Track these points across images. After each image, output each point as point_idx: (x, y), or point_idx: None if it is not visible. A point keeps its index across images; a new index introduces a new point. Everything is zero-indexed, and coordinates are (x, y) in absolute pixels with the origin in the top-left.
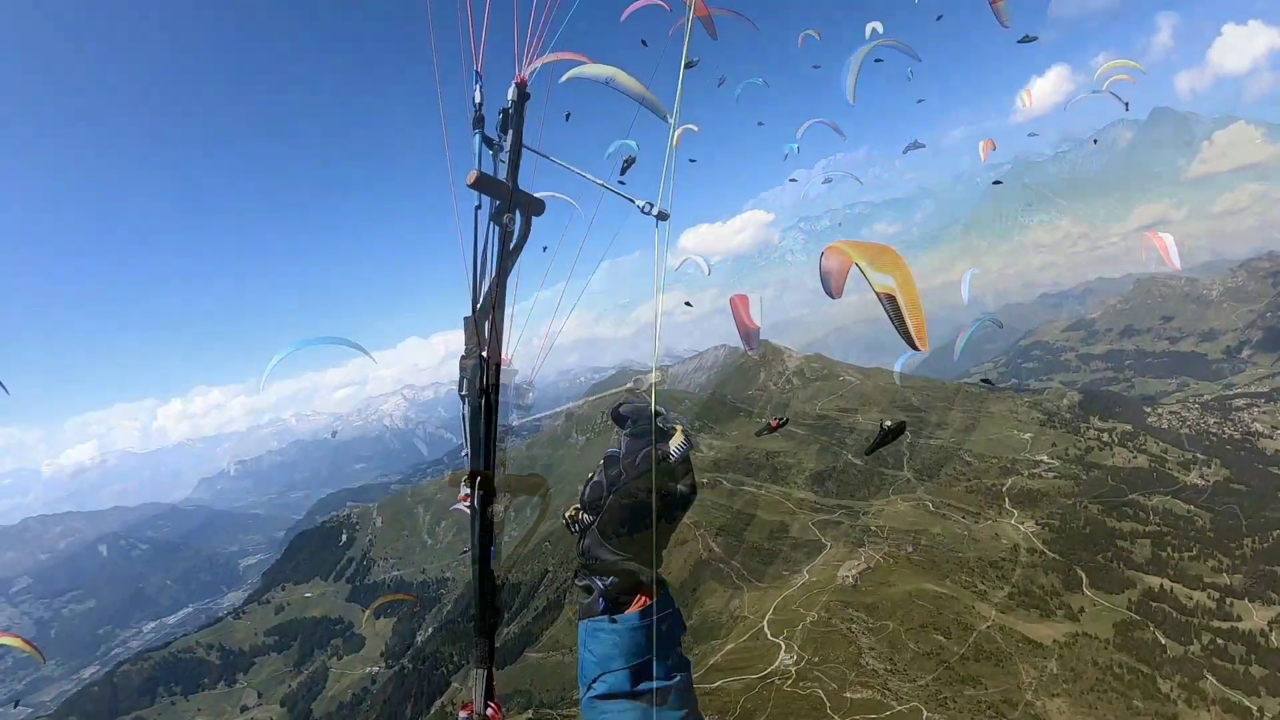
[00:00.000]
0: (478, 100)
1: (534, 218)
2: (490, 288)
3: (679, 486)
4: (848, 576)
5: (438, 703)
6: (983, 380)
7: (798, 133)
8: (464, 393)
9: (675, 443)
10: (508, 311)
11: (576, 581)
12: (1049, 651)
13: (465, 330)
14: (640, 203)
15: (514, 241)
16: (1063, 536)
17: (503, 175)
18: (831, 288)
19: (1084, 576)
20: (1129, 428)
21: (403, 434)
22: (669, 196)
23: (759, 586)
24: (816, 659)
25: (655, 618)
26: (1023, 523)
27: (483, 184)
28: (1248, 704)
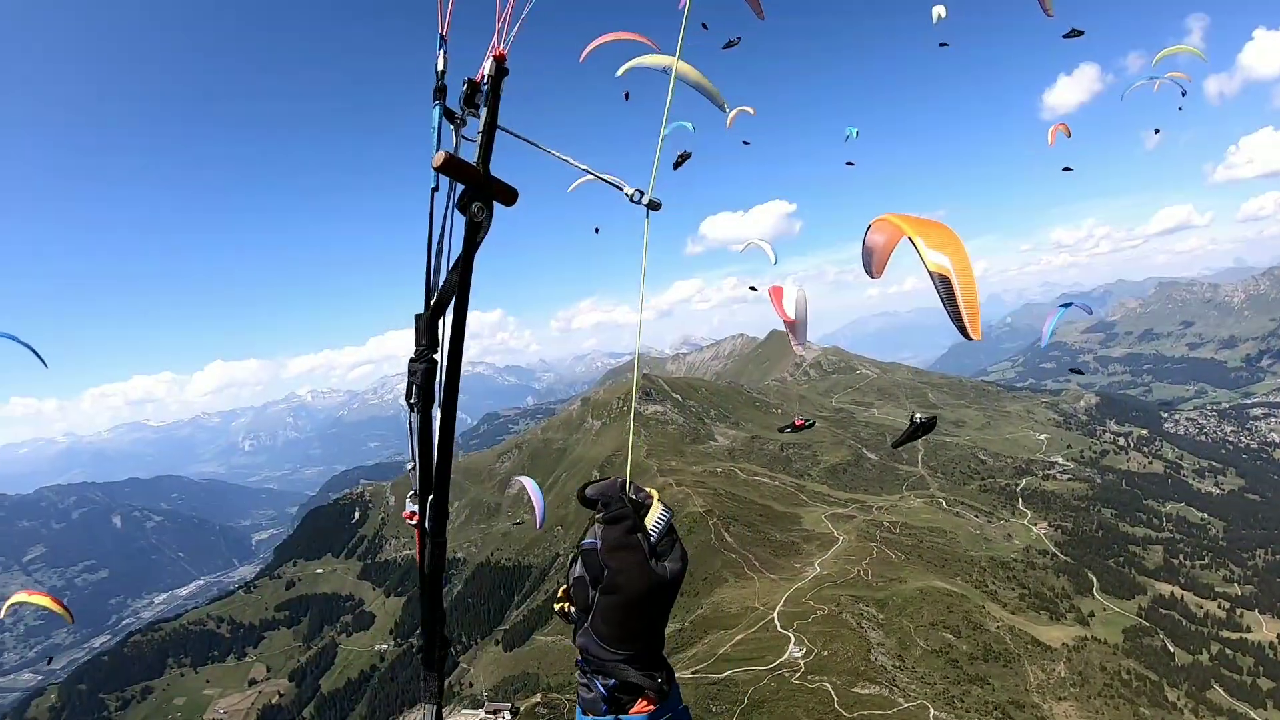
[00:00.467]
0: (440, 67)
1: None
2: (448, 283)
3: (668, 566)
4: (859, 571)
5: (445, 682)
6: (1072, 369)
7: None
8: (413, 400)
9: (653, 519)
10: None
11: (577, 676)
12: (1058, 654)
13: (416, 329)
14: (629, 190)
15: (481, 233)
16: (1075, 539)
17: (466, 155)
18: (873, 265)
19: (1095, 580)
20: (1145, 432)
21: None
22: (673, 184)
23: (770, 578)
24: (826, 653)
25: None
26: (1035, 524)
27: (452, 168)
28: (1254, 716)
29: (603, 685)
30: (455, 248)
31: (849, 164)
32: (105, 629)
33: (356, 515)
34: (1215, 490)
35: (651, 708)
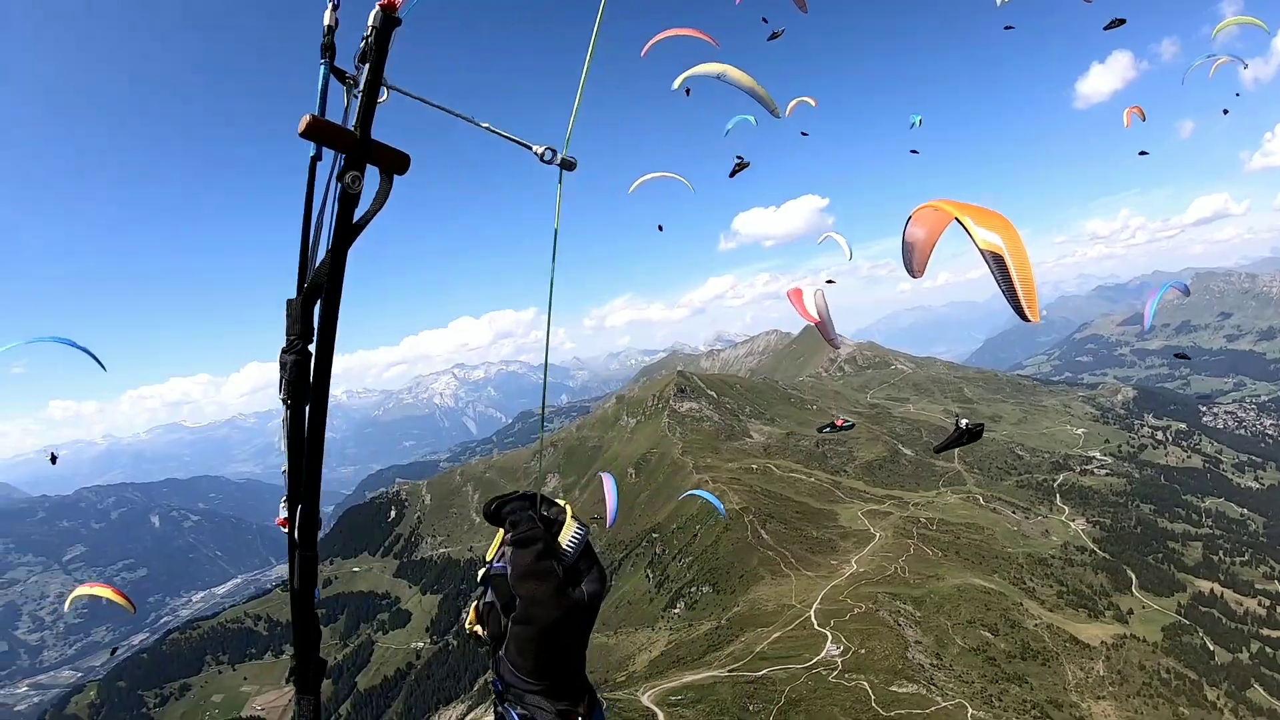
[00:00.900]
0: (329, 23)
1: (396, 177)
2: (322, 266)
3: (585, 589)
4: (896, 568)
5: (480, 680)
6: (1177, 354)
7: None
8: (284, 396)
9: (567, 537)
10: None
11: (494, 704)
12: (1096, 653)
13: (288, 316)
14: (539, 149)
15: (364, 206)
16: (1113, 535)
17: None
18: (914, 261)
19: (1134, 577)
20: (1183, 426)
21: (452, 412)
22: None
23: (807, 575)
24: (863, 651)
25: None
26: (1073, 520)
27: (319, 132)
28: None
29: (518, 716)
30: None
31: (913, 152)
32: (144, 627)
33: (392, 514)
34: (1255, 485)
35: None
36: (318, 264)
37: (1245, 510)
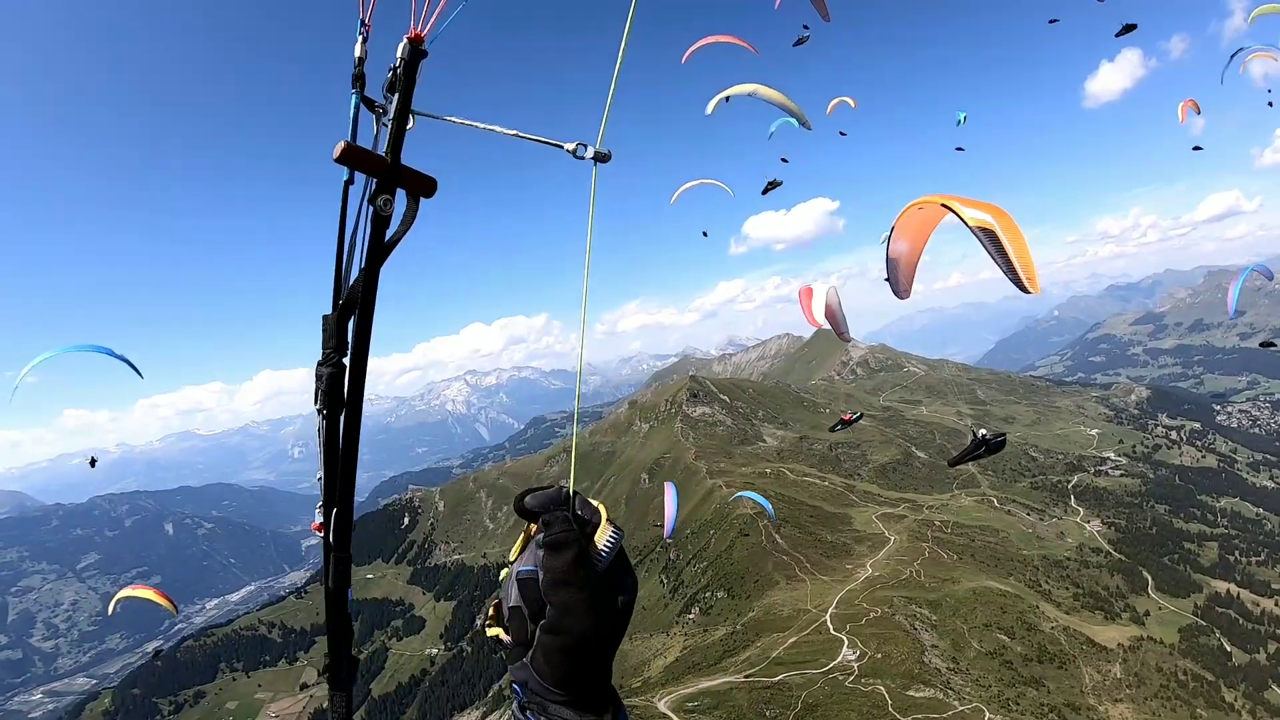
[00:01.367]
0: (359, 55)
1: (423, 199)
2: (356, 283)
3: (621, 599)
4: (912, 571)
5: (495, 686)
6: (1263, 344)
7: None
8: (319, 406)
9: (602, 540)
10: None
11: (514, 711)
12: (1113, 655)
13: (323, 331)
14: (570, 146)
15: (393, 227)
16: (1129, 537)
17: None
18: (900, 279)
19: (1150, 579)
20: (1198, 425)
21: (464, 419)
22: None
23: (822, 579)
24: (879, 655)
25: None
26: (1088, 521)
27: (353, 158)
28: None
29: None
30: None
31: (959, 149)
32: (158, 634)
33: (406, 520)
34: (1270, 484)
35: None
36: (351, 282)
37: (1261, 510)
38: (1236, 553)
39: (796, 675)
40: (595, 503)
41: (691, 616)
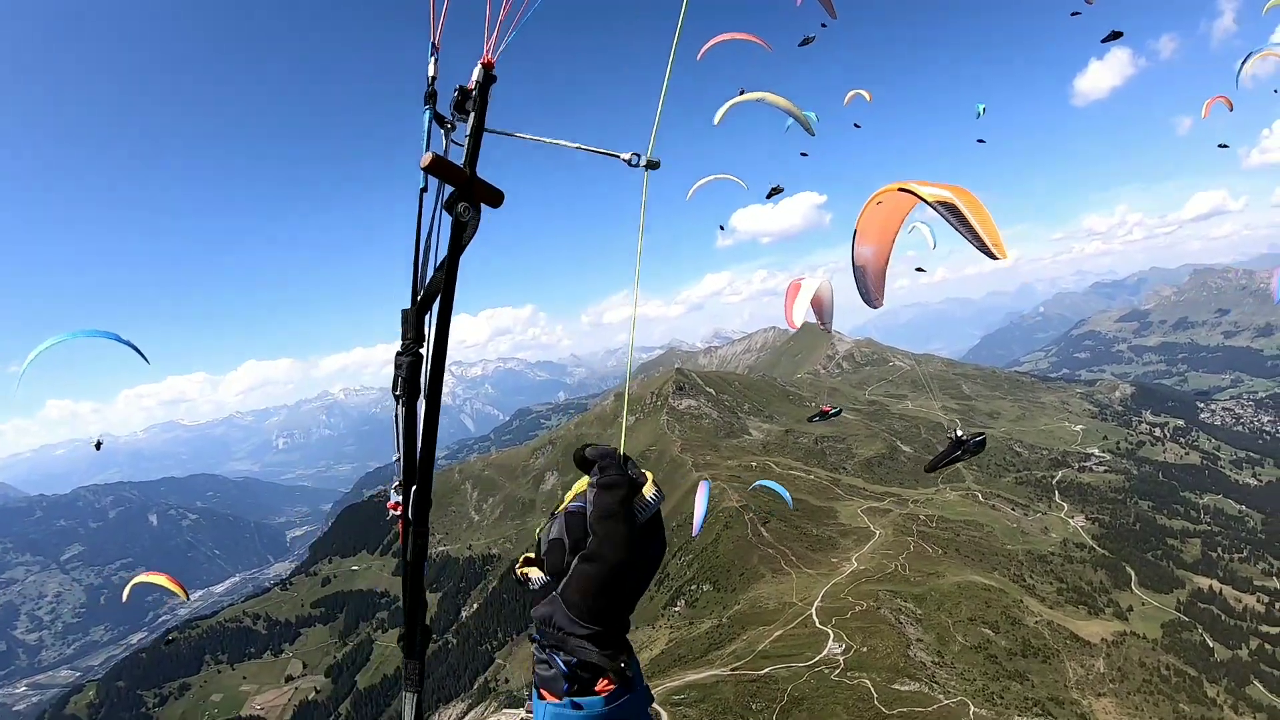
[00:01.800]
0: (431, 74)
1: (487, 208)
2: (434, 280)
3: (653, 547)
4: (897, 565)
5: (481, 678)
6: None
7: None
8: (399, 393)
9: (649, 493)
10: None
11: (534, 651)
12: (1097, 650)
13: (403, 324)
14: (626, 156)
15: (466, 232)
16: (1112, 532)
17: (453, 157)
18: (871, 286)
19: (1133, 574)
20: (1181, 423)
21: (449, 410)
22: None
23: (807, 573)
24: (865, 649)
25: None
26: (1072, 517)
27: (439, 168)
28: None
29: (563, 661)
30: (441, 246)
31: (980, 141)
32: (143, 626)
33: (391, 511)
34: (1253, 481)
35: (612, 688)
36: (428, 279)
37: (1243, 507)
38: (1219, 549)
39: (782, 668)
40: (645, 471)
41: (677, 609)
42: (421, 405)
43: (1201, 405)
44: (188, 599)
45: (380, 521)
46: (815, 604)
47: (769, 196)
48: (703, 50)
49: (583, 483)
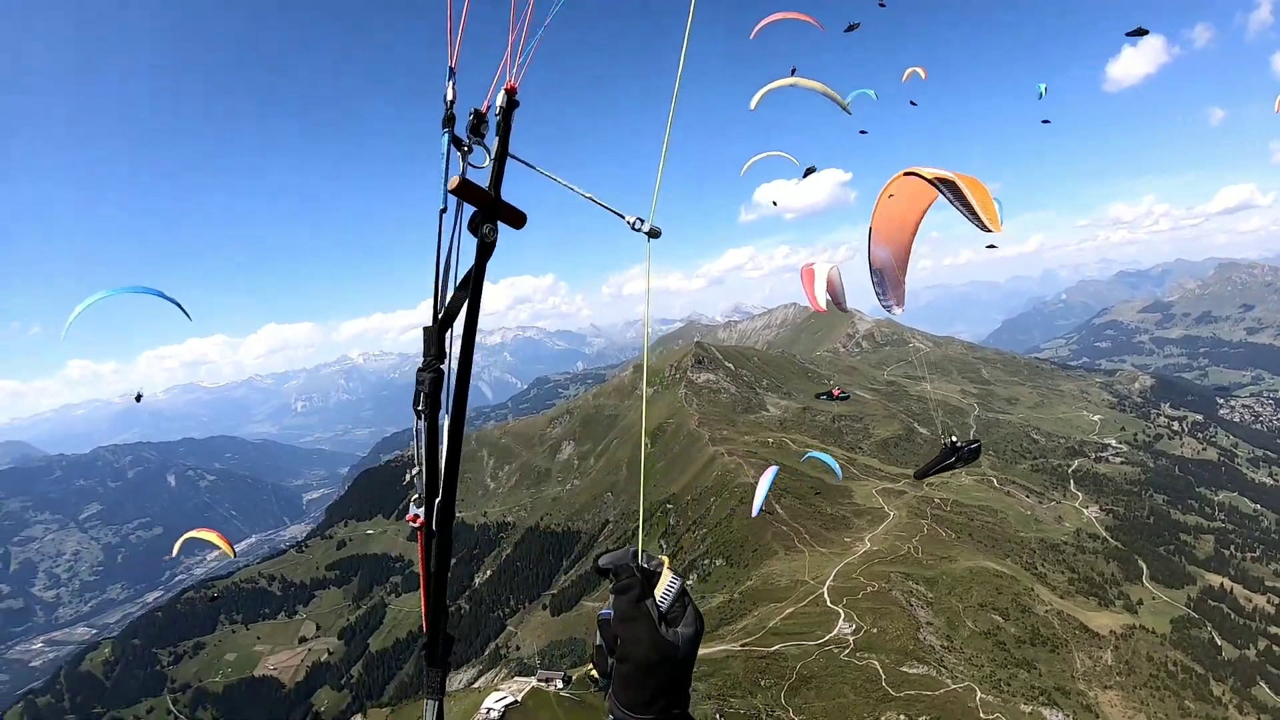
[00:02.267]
0: (449, 98)
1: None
2: (457, 298)
3: (680, 632)
4: (910, 548)
5: (492, 644)
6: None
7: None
8: (421, 408)
9: (661, 588)
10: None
11: None
12: (1105, 642)
13: (425, 341)
14: (629, 219)
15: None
16: (1126, 525)
17: (475, 179)
18: (890, 287)
19: (1145, 568)
20: (1200, 418)
21: None
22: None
23: (820, 551)
24: (875, 630)
25: None
26: (1087, 507)
27: (465, 191)
28: None
29: None
30: (461, 265)
31: (1045, 121)
32: (159, 585)
33: (407, 477)
34: (1269, 481)
35: None
36: (448, 299)
37: (1258, 506)
38: (1232, 547)
39: (793, 646)
40: (660, 557)
41: (689, 582)
42: (444, 420)
43: (1221, 401)
44: (235, 556)
45: (396, 487)
46: (827, 583)
47: (804, 176)
48: (756, 28)
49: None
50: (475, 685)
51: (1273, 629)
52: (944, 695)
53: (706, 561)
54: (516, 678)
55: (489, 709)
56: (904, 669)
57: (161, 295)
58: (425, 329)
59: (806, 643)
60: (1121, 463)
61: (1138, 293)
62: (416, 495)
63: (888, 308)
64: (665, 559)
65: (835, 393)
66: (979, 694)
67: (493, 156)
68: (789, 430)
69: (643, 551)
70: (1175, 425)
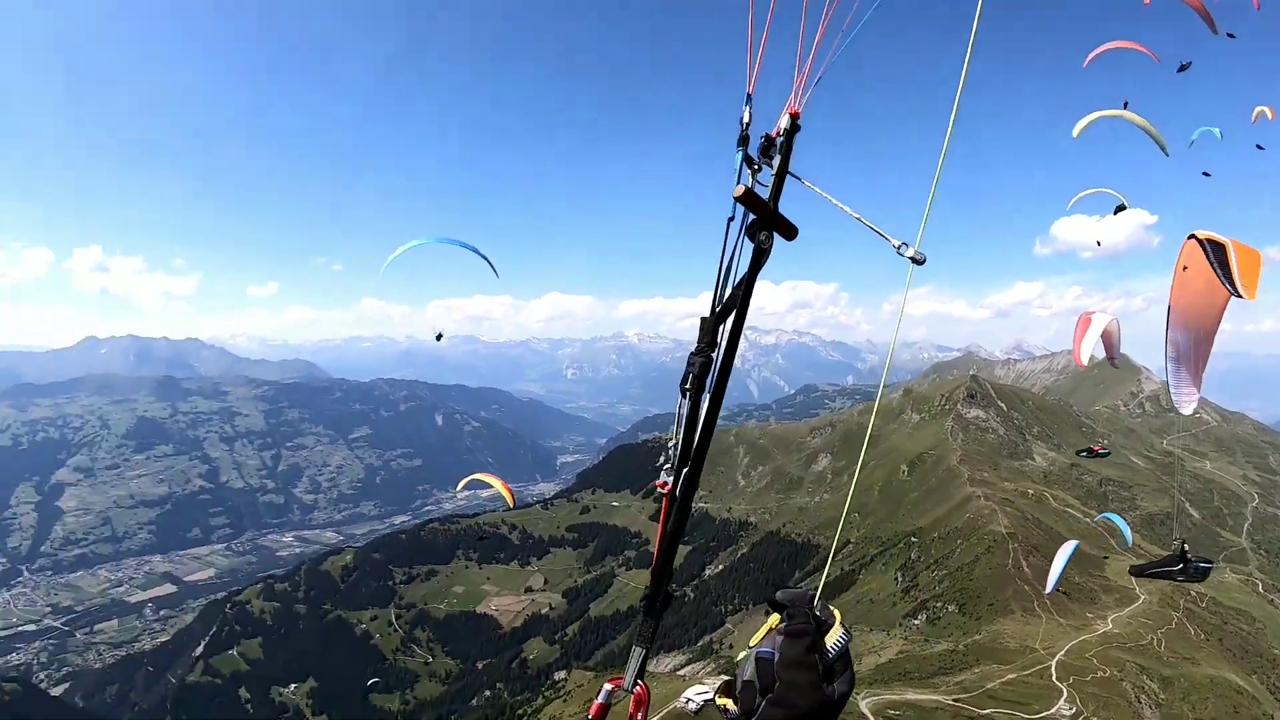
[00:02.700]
0: (745, 120)
1: (782, 240)
2: (733, 295)
3: (837, 688)
4: (1153, 639)
5: (707, 637)
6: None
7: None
8: (687, 387)
9: (832, 638)
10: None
11: None
12: None
13: (700, 330)
14: (896, 242)
15: (764, 259)
16: None
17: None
18: (1185, 386)
19: None
20: None
21: (737, 372)
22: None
23: (1058, 621)
24: (1095, 719)
25: None
26: None
27: (749, 200)
28: None
29: None
30: (739, 267)
31: (1259, 147)
32: (408, 510)
33: (661, 458)
34: None
35: None
36: (726, 294)
37: None
38: None
39: (1004, 714)
40: (833, 609)
41: (917, 623)
42: (704, 403)
43: None
44: (513, 506)
45: (649, 466)
46: (1058, 656)
47: (1115, 212)
48: (1090, 56)
49: (774, 619)
50: (680, 672)
51: None
52: None
53: (939, 605)
54: (722, 675)
55: (688, 699)
56: None
57: (475, 251)
58: (702, 319)
59: (1020, 714)
60: None
61: None
62: (668, 465)
63: (1178, 403)
64: (837, 613)
65: (1095, 449)
66: None
67: (775, 173)
68: (1052, 485)
69: (820, 599)
70: None
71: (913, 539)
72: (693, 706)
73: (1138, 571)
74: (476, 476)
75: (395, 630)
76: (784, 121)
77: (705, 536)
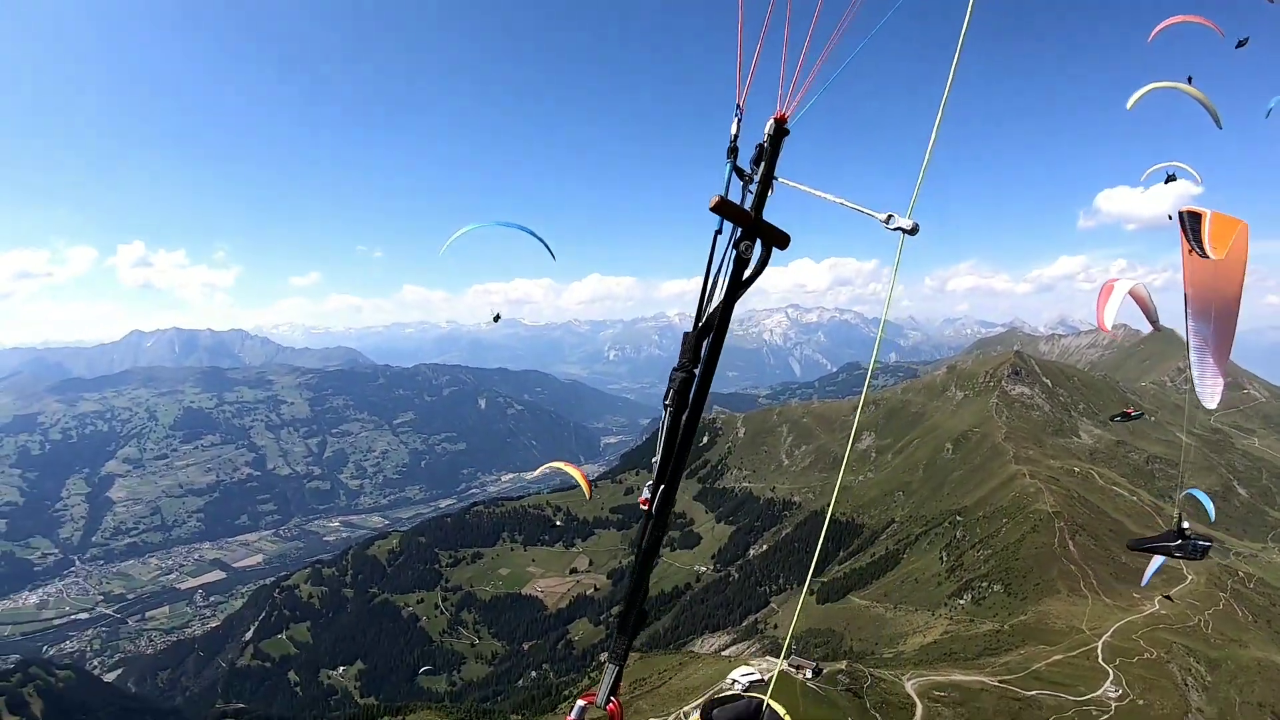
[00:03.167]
0: (733, 132)
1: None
2: (715, 310)
3: None
4: (1200, 620)
5: (751, 617)
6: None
7: None
8: (668, 402)
9: None
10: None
11: None
12: None
13: (683, 345)
14: (881, 216)
15: (749, 270)
16: None
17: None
18: (1209, 380)
19: None
20: None
21: (779, 351)
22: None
23: (1105, 601)
24: (1141, 701)
25: None
26: None
27: (724, 209)
28: None
29: None
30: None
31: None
32: (453, 494)
33: (705, 439)
34: None
35: None
36: (710, 309)
37: None
38: None
39: (1050, 695)
40: (783, 714)
41: (962, 602)
42: (683, 419)
43: None
44: (590, 497)
45: (694, 446)
46: (1104, 638)
47: (1165, 182)
48: (1155, 31)
49: None
50: (725, 653)
51: None
52: None
53: (984, 585)
54: (767, 656)
55: (734, 680)
56: None
57: (532, 234)
58: (685, 334)
59: (1065, 696)
60: None
61: None
62: (650, 480)
63: (1202, 398)
64: (785, 715)
65: (1129, 411)
66: None
67: (757, 179)
68: (1099, 463)
69: (768, 706)
70: None
71: (957, 518)
72: (739, 688)
73: (1134, 546)
74: (555, 465)
75: (442, 612)
76: (769, 126)
77: (750, 516)
